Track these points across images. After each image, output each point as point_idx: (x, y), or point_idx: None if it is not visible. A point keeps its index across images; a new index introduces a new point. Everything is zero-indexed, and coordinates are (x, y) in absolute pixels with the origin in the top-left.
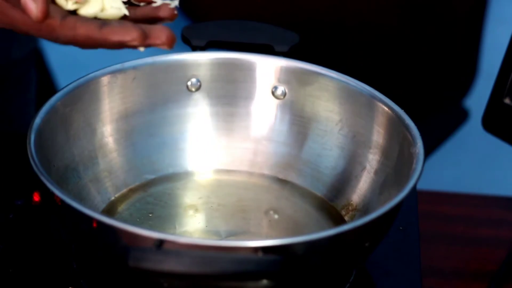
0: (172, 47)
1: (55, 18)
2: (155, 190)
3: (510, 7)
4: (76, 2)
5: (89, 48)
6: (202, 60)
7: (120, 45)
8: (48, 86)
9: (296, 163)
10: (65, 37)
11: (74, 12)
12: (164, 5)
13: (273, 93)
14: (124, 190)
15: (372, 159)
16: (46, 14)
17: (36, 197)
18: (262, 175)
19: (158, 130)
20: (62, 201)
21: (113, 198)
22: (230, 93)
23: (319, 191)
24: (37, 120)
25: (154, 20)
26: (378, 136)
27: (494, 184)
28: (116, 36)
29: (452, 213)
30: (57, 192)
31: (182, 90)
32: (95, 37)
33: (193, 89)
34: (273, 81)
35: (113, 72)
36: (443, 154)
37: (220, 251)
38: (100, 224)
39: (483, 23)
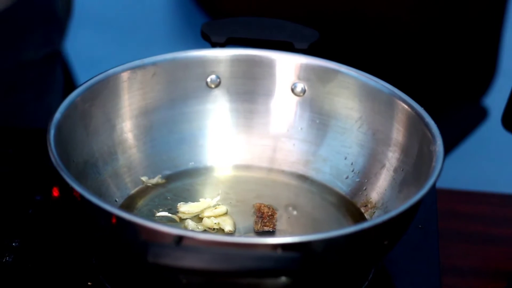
0: None
1: None
2: (174, 186)
3: None
4: None
5: None
6: (222, 56)
7: None
8: (67, 82)
9: (315, 160)
10: None
11: None
12: None
13: (292, 90)
14: (143, 186)
15: (392, 157)
16: None
17: (56, 193)
18: (281, 172)
19: (177, 126)
20: (82, 197)
21: (132, 193)
22: (250, 90)
23: (338, 188)
24: (57, 115)
25: None
26: (397, 134)
27: None
28: None
29: (472, 212)
30: (77, 188)
31: (202, 86)
32: None
33: (213, 86)
34: (292, 78)
35: (133, 68)
36: (463, 152)
37: (239, 247)
38: (120, 219)
39: (503, 21)
